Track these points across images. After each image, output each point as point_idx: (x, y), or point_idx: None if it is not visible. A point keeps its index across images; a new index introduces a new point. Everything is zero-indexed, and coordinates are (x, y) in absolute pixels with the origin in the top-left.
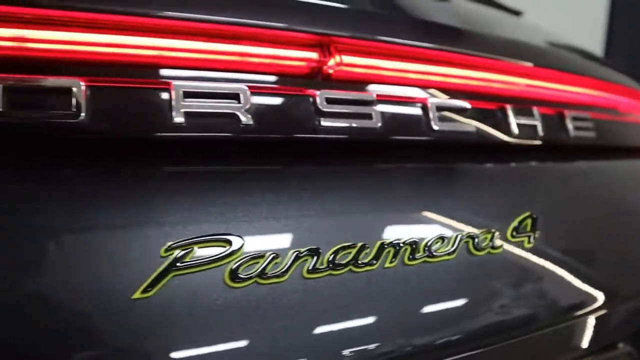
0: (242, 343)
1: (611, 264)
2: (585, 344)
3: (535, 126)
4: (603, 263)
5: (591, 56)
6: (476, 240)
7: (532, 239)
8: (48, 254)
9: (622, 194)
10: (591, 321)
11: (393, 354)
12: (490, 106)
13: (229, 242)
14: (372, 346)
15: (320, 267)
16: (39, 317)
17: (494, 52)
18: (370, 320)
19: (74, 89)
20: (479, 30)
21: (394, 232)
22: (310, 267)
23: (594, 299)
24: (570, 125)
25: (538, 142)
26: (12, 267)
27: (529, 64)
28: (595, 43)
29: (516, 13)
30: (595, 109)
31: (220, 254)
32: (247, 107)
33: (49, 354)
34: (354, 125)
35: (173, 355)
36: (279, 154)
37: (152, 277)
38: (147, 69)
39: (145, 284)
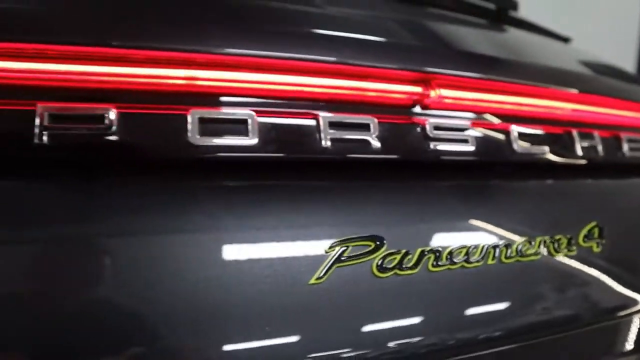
0: (388, 320)
1: None
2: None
3: (595, 147)
4: None
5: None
6: (556, 244)
7: (599, 245)
8: (253, 250)
9: None
10: None
11: (499, 330)
12: (558, 130)
13: (375, 241)
14: (483, 322)
15: (441, 263)
16: (249, 297)
17: (562, 84)
18: (479, 303)
19: (249, 120)
20: (550, 64)
21: (493, 237)
22: (433, 263)
23: None
24: (625, 146)
25: (599, 162)
26: (225, 261)
27: (591, 93)
28: (627, 58)
29: (565, 40)
30: None
31: (369, 250)
32: (376, 134)
33: (251, 324)
34: (454, 148)
35: (337, 327)
36: (400, 172)
37: (322, 267)
38: (301, 102)
39: (317, 273)
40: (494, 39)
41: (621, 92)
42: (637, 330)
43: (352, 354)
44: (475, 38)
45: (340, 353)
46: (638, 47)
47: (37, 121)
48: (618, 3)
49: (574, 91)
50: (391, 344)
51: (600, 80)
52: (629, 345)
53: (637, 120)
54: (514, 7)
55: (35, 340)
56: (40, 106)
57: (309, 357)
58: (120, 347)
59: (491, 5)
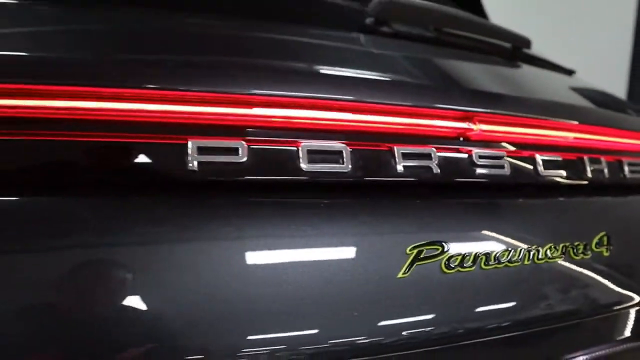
0: (455, 306)
1: None
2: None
3: (603, 170)
4: None
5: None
6: (575, 249)
7: (608, 250)
8: (355, 252)
9: None
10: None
11: (533, 312)
12: (572, 157)
13: (441, 246)
14: (522, 306)
15: (490, 263)
16: (352, 289)
17: (574, 118)
18: (519, 292)
19: (344, 151)
20: (564, 100)
21: (527, 242)
22: (485, 262)
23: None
24: (626, 168)
25: (605, 182)
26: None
27: (599, 125)
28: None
29: (570, 72)
30: None
31: (438, 252)
32: (436, 161)
33: (355, 309)
34: (494, 172)
35: (418, 310)
36: (454, 191)
37: (406, 264)
38: (380, 136)
39: (403, 269)
40: (517, 78)
41: (622, 122)
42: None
43: (429, 331)
44: (503, 78)
45: (421, 331)
46: (629, 71)
47: (189, 152)
48: (610, 28)
49: (582, 123)
50: (457, 324)
51: (605, 112)
52: (628, 333)
53: (636, 146)
54: (528, 45)
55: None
56: (190, 141)
57: (401, 334)
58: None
59: (508, 45)
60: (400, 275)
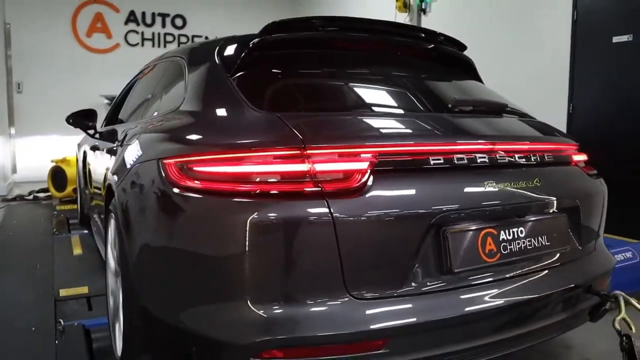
0: (503, 195)
1: (556, 188)
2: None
3: (537, 157)
4: (554, 188)
5: (560, 133)
6: (527, 182)
7: (540, 182)
8: (480, 179)
9: (562, 177)
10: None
11: (515, 201)
12: (526, 154)
13: (494, 181)
14: (511, 197)
15: (504, 185)
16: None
17: (528, 140)
18: (510, 192)
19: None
20: (527, 132)
21: (512, 181)
22: (506, 185)
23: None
24: (545, 157)
25: (537, 162)
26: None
27: (536, 142)
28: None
29: (525, 115)
30: (555, 152)
31: (493, 183)
32: (485, 158)
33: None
34: (502, 161)
35: (499, 194)
36: (491, 167)
37: (492, 182)
38: (467, 153)
39: (493, 184)
40: (503, 125)
41: (546, 139)
42: (545, 203)
43: (503, 200)
44: (500, 126)
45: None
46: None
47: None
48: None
49: (530, 142)
50: (507, 200)
51: (539, 135)
52: (547, 209)
53: (550, 149)
54: (506, 106)
55: None
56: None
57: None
58: None
59: (499, 108)
60: (488, 188)
